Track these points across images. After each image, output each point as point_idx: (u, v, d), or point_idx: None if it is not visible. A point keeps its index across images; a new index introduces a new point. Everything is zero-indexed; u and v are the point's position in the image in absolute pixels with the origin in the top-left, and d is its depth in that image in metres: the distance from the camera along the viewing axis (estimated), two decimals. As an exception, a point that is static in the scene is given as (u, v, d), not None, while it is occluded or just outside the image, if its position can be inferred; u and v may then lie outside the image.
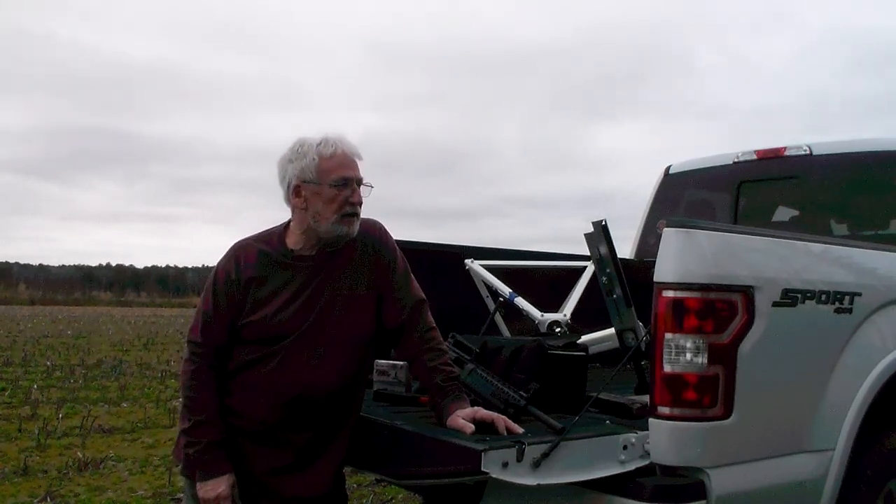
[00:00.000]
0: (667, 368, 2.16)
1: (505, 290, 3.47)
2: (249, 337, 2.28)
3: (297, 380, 2.25)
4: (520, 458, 1.98)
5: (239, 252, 2.36)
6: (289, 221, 2.39)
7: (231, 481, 2.23)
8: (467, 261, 3.59)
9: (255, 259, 2.33)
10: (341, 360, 2.31)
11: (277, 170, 2.34)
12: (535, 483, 2.00)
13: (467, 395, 2.34)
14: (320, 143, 2.28)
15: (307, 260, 2.33)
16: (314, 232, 2.30)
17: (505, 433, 2.12)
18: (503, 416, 2.19)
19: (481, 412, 2.21)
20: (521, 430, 2.15)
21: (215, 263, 2.40)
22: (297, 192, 2.29)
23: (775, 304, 2.28)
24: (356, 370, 2.36)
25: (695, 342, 2.15)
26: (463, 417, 2.19)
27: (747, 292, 2.22)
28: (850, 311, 2.52)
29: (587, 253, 3.03)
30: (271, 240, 2.37)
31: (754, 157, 4.45)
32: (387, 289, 2.39)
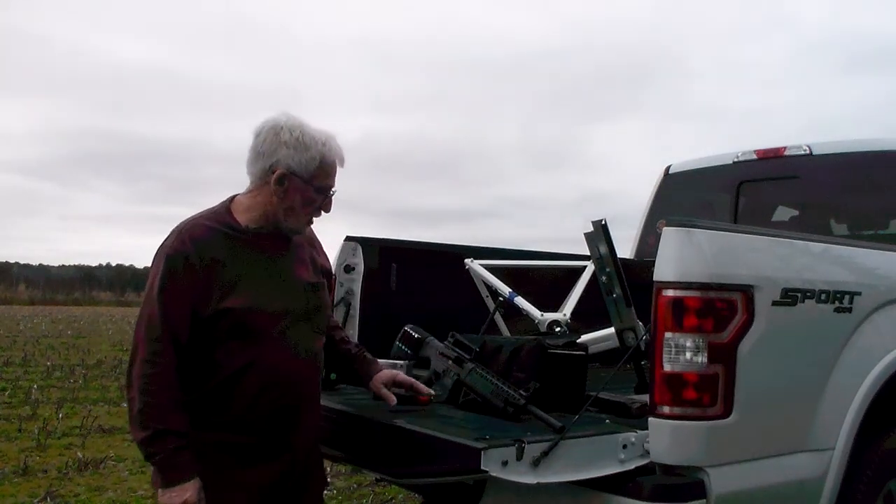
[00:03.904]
0: (666, 367, 2.17)
1: (505, 289, 3.47)
2: (225, 327, 2.08)
3: (289, 369, 2.16)
4: (519, 457, 1.98)
5: (192, 230, 2.13)
6: (232, 198, 2.24)
7: (198, 485, 2.03)
8: (467, 260, 3.59)
9: (212, 237, 2.13)
10: (318, 342, 2.32)
11: (260, 139, 2.17)
12: (534, 482, 2.00)
13: (467, 393, 2.37)
14: (325, 144, 2.18)
15: (265, 238, 2.20)
16: (273, 219, 2.19)
17: (428, 391, 2.48)
18: (414, 380, 2.51)
19: (400, 376, 2.51)
20: (430, 391, 2.51)
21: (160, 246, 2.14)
22: (280, 180, 2.14)
23: (775, 304, 2.28)
24: (322, 351, 2.38)
25: (695, 341, 2.15)
26: (384, 382, 2.47)
27: (747, 291, 2.22)
28: (849, 310, 2.52)
29: (587, 253, 3.03)
30: (219, 218, 2.19)
31: (754, 157, 4.46)
32: (327, 273, 2.45)
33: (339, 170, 2.25)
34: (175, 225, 2.18)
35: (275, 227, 2.22)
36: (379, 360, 2.58)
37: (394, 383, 2.49)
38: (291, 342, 2.18)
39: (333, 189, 2.26)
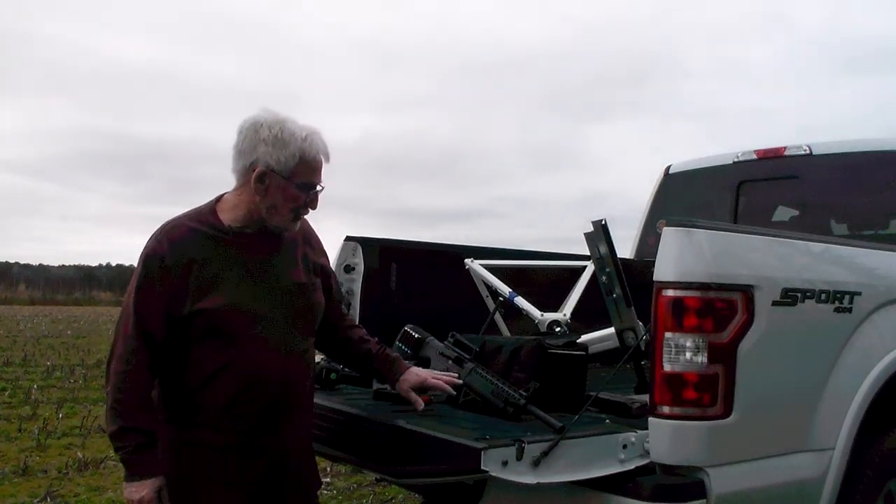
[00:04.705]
0: (666, 367, 2.17)
1: (505, 289, 3.47)
2: (202, 327, 2.09)
3: (270, 369, 2.15)
4: (519, 457, 1.98)
5: (171, 232, 2.14)
6: (220, 197, 2.24)
7: (157, 485, 2.05)
8: (467, 260, 3.59)
9: (192, 238, 2.13)
10: (305, 342, 2.27)
11: (241, 137, 2.16)
12: (534, 482, 2.00)
13: (467, 393, 2.39)
14: (305, 140, 2.14)
15: (249, 237, 2.19)
16: (257, 218, 2.17)
17: (453, 391, 2.42)
18: (448, 377, 2.45)
19: (430, 380, 2.43)
20: (457, 380, 2.44)
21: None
22: (260, 178, 2.13)
23: (775, 304, 2.28)
24: (311, 350, 2.34)
25: (694, 341, 2.15)
26: (413, 386, 2.41)
27: (747, 291, 2.22)
28: (849, 310, 2.52)
29: (587, 253, 3.03)
30: (202, 218, 2.18)
31: (754, 156, 4.46)
32: (325, 272, 2.41)
33: (325, 166, 2.20)
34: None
35: (260, 225, 2.20)
36: (404, 360, 2.53)
37: (423, 388, 2.43)
38: (272, 343, 2.15)
39: (320, 186, 2.21)
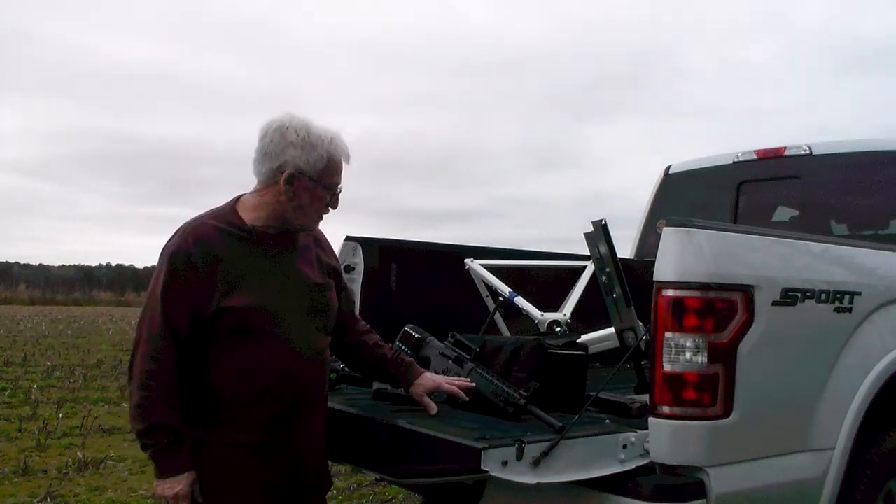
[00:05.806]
0: (666, 367, 2.17)
1: (505, 289, 3.47)
2: (226, 325, 2.10)
3: (292, 368, 2.16)
4: (519, 457, 1.98)
5: (196, 230, 2.16)
6: (238, 197, 2.26)
7: (191, 479, 2.08)
8: (467, 260, 3.59)
9: (217, 236, 2.15)
10: (323, 341, 2.29)
11: (266, 140, 2.17)
12: (534, 482, 2.00)
13: (467, 393, 2.39)
14: (331, 143, 2.19)
15: (272, 237, 2.22)
16: (282, 218, 2.21)
17: (467, 398, 2.41)
18: (461, 382, 2.44)
19: (444, 386, 2.44)
20: (470, 382, 2.44)
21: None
22: (289, 179, 2.16)
23: (775, 304, 2.28)
24: (327, 349, 2.35)
25: (695, 341, 2.15)
26: (427, 391, 2.42)
27: (747, 291, 2.22)
28: (849, 310, 2.52)
29: (587, 253, 3.03)
30: (224, 218, 2.20)
31: (754, 157, 4.46)
32: (337, 273, 2.44)
33: (345, 166, 2.26)
34: (179, 225, 2.21)
35: (283, 225, 2.23)
36: (419, 366, 2.54)
37: (437, 392, 2.46)
38: (294, 341, 2.17)
39: (340, 186, 2.27)
